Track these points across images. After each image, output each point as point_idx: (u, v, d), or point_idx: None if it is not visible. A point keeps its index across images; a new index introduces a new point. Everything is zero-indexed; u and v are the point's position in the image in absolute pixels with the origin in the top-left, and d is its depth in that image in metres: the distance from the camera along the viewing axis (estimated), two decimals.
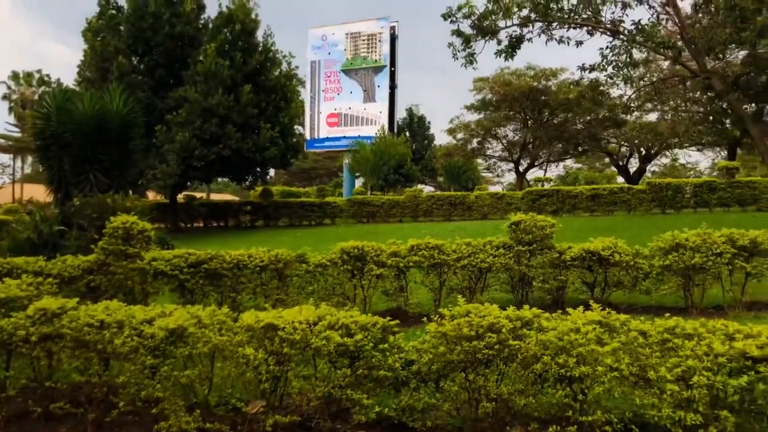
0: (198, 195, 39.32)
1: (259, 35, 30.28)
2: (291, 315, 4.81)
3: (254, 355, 4.69)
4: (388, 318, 4.73)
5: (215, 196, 50.69)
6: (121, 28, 28.79)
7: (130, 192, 18.00)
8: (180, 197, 32.78)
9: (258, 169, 31.57)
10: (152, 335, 4.73)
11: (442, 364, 4.40)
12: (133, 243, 9.17)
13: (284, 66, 31.49)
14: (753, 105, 16.18)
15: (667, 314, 4.38)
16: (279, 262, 9.08)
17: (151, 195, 34.28)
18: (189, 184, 31.84)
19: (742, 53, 17.68)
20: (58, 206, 15.01)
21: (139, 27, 27.81)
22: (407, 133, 55.68)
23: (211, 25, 29.82)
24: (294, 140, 32.33)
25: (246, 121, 27.70)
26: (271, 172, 44.40)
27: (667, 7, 16.13)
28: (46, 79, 57.53)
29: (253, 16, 29.82)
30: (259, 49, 29.71)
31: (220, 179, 43.00)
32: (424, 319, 4.73)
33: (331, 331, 4.55)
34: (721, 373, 3.75)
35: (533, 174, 58.30)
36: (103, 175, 15.93)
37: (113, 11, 29.39)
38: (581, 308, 4.48)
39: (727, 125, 18.05)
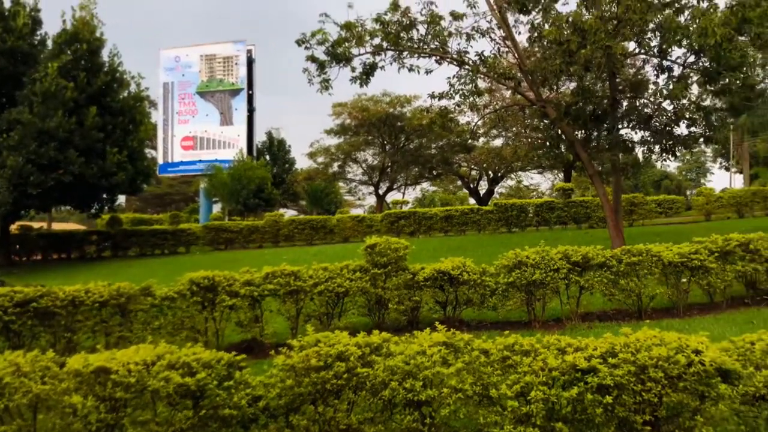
0: (36, 225, 35.81)
1: (105, 54, 28.54)
2: (126, 356, 4.45)
3: (82, 402, 4.27)
4: (234, 353, 4.52)
5: (59, 226, 46.41)
6: None
7: None
8: (14, 228, 29.67)
9: (105, 195, 29.48)
10: None
11: (290, 398, 4.25)
12: None
13: (133, 87, 29.90)
14: (582, 132, 17.76)
15: (507, 331, 4.58)
16: (121, 297, 8.42)
17: None
18: (24, 213, 28.95)
19: (573, 85, 19.38)
20: None
21: None
22: (267, 157, 54.89)
23: (50, 42, 27.55)
24: (144, 164, 30.64)
25: (90, 145, 25.75)
26: (121, 198, 41.73)
27: (506, 41, 17.31)
28: None
29: (98, 34, 28.03)
30: (105, 69, 27.95)
31: (63, 207, 39.71)
32: (272, 352, 4.57)
33: (170, 371, 4.25)
34: (555, 387, 3.96)
35: (393, 197, 59.93)
36: None
37: None
38: (428, 330, 4.55)
39: (562, 150, 19.69)
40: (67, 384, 4.43)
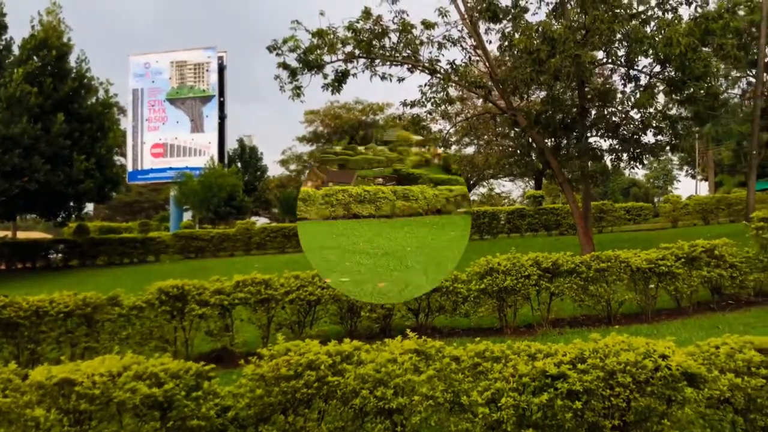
0: (0, 234, 34.94)
1: (72, 60, 28.09)
2: (91, 367, 4.34)
3: (45, 416, 4.15)
4: (203, 363, 4.44)
5: (24, 234, 45.29)
6: None
7: None
8: None
9: (72, 203, 28.92)
10: None
11: (260, 408, 4.19)
12: None
13: (101, 93, 29.44)
14: (552, 140, 17.99)
15: (478, 338, 4.58)
16: (87, 307, 8.24)
17: None
18: None
19: (543, 93, 19.62)
20: None
21: None
22: (239, 164, 54.54)
23: (17, 48, 26.98)
24: (113, 172, 30.16)
25: (57, 152, 25.24)
26: (89, 206, 40.98)
27: (477, 50, 17.46)
28: None
29: (65, 39, 27.55)
30: (72, 75, 27.48)
31: (29, 215, 38.78)
32: (242, 361, 4.51)
33: (137, 382, 4.16)
34: (526, 393, 3.97)
35: None
36: None
37: None
38: (399, 338, 4.53)
39: (533, 157, 19.94)
40: (29, 396, 4.30)
